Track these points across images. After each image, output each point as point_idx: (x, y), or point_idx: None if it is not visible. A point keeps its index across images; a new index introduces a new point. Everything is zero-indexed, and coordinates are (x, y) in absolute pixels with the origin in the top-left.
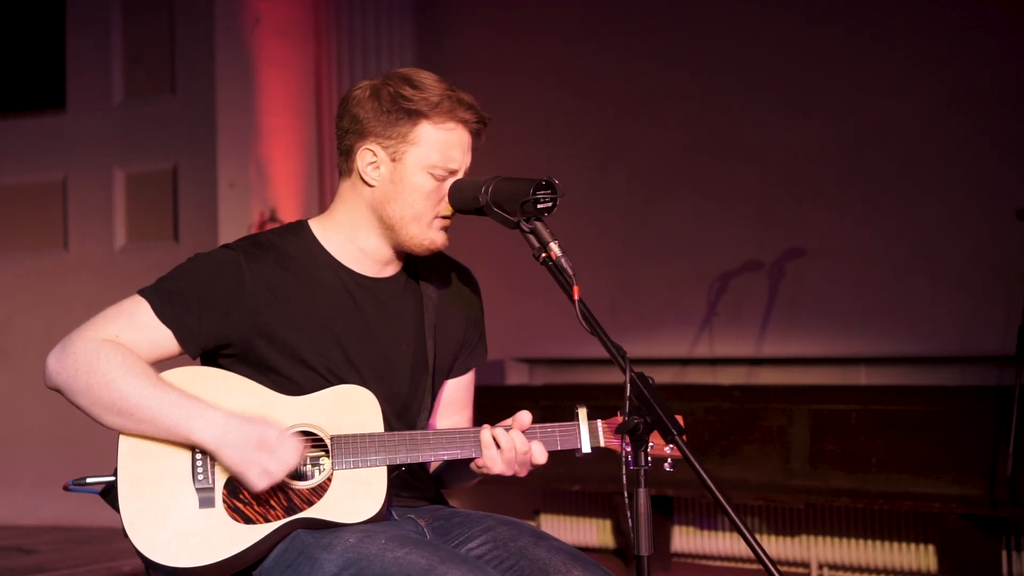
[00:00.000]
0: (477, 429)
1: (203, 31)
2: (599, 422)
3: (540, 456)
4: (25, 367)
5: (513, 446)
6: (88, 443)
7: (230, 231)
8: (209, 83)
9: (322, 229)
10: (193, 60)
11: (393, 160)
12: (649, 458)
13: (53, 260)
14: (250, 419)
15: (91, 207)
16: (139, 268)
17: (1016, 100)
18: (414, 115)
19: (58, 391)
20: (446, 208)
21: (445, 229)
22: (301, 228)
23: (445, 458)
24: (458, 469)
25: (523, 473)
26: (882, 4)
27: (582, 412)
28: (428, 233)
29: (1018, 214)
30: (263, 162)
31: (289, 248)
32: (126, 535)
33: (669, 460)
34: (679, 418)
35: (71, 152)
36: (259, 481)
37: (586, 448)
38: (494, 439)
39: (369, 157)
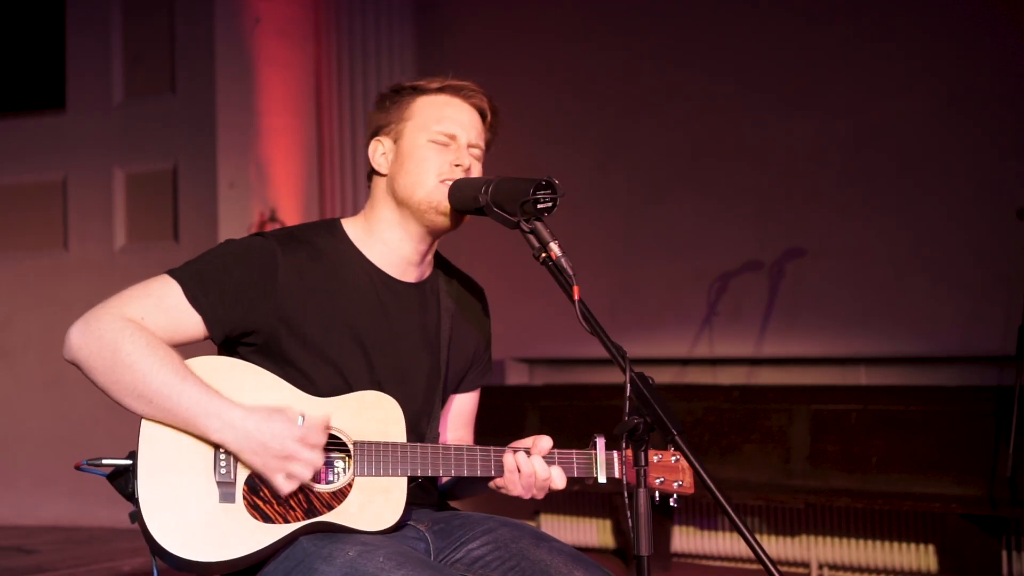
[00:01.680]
0: (500, 449)
1: (203, 31)
2: (615, 453)
3: (559, 482)
4: (25, 367)
5: (534, 472)
6: (89, 443)
7: (230, 231)
8: (209, 83)
9: (354, 229)
10: (193, 60)
11: (396, 141)
12: (646, 467)
13: (53, 260)
14: (270, 418)
15: (91, 207)
16: (139, 268)
17: (1016, 100)
18: (408, 95)
19: (76, 365)
20: (451, 171)
21: None
22: (334, 226)
23: (465, 475)
24: (470, 484)
25: (540, 496)
26: (882, 4)
27: (600, 442)
28: (435, 193)
29: (1018, 214)
30: (263, 162)
31: (322, 244)
32: (140, 519)
33: (675, 496)
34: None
35: (71, 152)
36: (285, 486)
37: (601, 479)
38: (517, 465)
39: (379, 148)
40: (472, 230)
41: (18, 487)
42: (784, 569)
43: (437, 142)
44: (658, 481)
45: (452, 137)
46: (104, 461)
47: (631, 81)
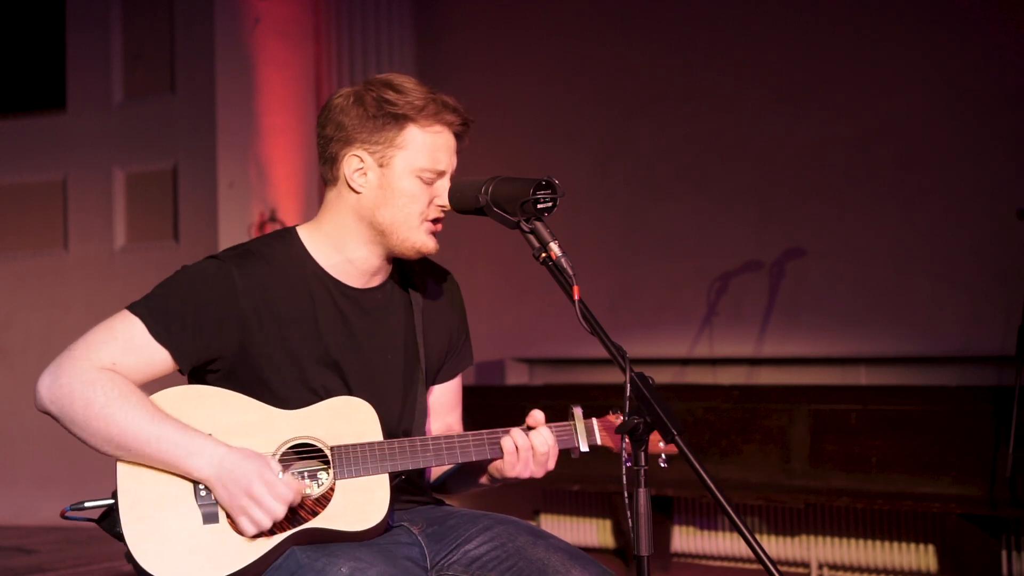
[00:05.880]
0: (478, 434)
1: (203, 31)
2: (594, 420)
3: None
4: (25, 367)
5: (529, 445)
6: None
7: (230, 231)
8: (209, 83)
9: (310, 238)
10: (193, 60)
11: (381, 165)
12: (646, 467)
13: (53, 260)
14: (247, 458)
15: (91, 207)
16: (139, 268)
17: (1017, 100)
18: (401, 119)
19: (50, 416)
20: (435, 211)
21: (435, 234)
22: (290, 236)
23: (446, 464)
24: (462, 476)
25: (539, 474)
26: (883, 4)
27: (577, 412)
28: (419, 236)
29: (1018, 214)
30: (263, 162)
31: (278, 257)
32: (129, 557)
33: (663, 456)
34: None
35: (71, 152)
36: (248, 528)
37: (584, 447)
38: (514, 444)
39: (356, 163)
40: (472, 230)
41: (18, 487)
42: (784, 569)
43: (424, 179)
44: None
45: (442, 173)
46: (87, 504)
47: (631, 81)
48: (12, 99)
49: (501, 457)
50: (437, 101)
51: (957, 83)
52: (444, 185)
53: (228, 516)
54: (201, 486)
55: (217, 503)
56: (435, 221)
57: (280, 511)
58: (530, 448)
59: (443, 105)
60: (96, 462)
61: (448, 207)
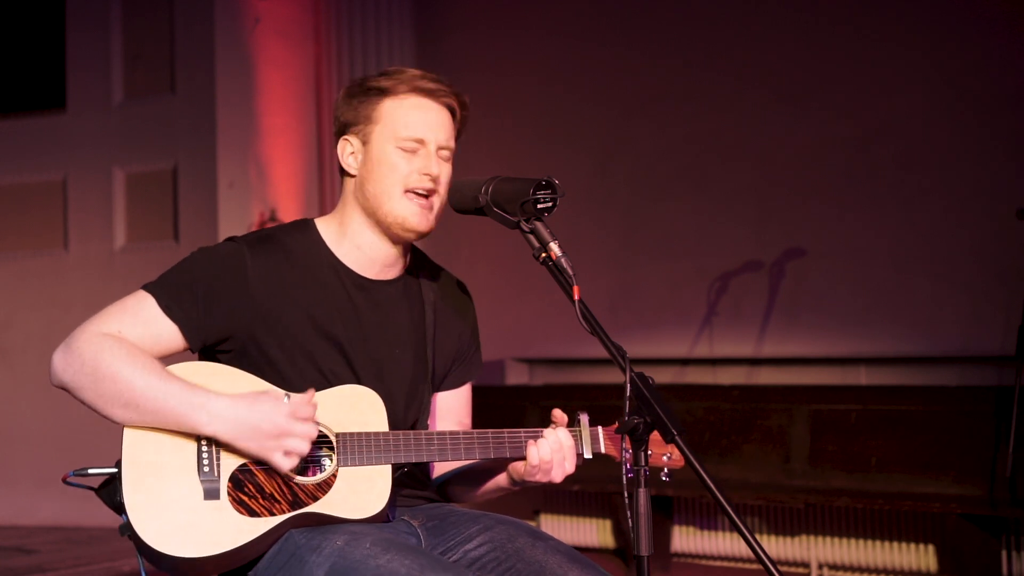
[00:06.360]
0: (483, 432)
1: (203, 31)
2: (600, 428)
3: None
4: (25, 367)
5: (560, 446)
6: (88, 443)
7: (230, 231)
8: (209, 83)
9: (327, 229)
10: (193, 60)
11: (364, 143)
12: (646, 468)
13: (53, 260)
14: (256, 401)
15: (91, 207)
16: (139, 268)
17: (1017, 100)
18: (375, 95)
19: (64, 388)
20: (416, 179)
21: (428, 209)
22: (307, 226)
23: (450, 460)
24: (471, 479)
25: (559, 477)
26: (883, 4)
27: (584, 418)
28: (400, 208)
29: (1018, 214)
30: (263, 162)
31: (294, 245)
32: (128, 528)
33: (665, 470)
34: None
35: (71, 152)
36: (284, 463)
37: (587, 454)
38: (539, 456)
39: (348, 148)
40: (472, 230)
41: (18, 487)
42: (784, 569)
43: (405, 148)
44: (648, 455)
45: (421, 142)
46: (91, 471)
47: (631, 81)
48: (12, 99)
49: (505, 456)
50: (415, 75)
51: (957, 83)
52: (427, 154)
53: (230, 494)
54: (204, 459)
55: (219, 479)
56: (424, 196)
57: (313, 432)
58: (560, 448)
59: (420, 77)
60: (96, 461)
61: (433, 174)
